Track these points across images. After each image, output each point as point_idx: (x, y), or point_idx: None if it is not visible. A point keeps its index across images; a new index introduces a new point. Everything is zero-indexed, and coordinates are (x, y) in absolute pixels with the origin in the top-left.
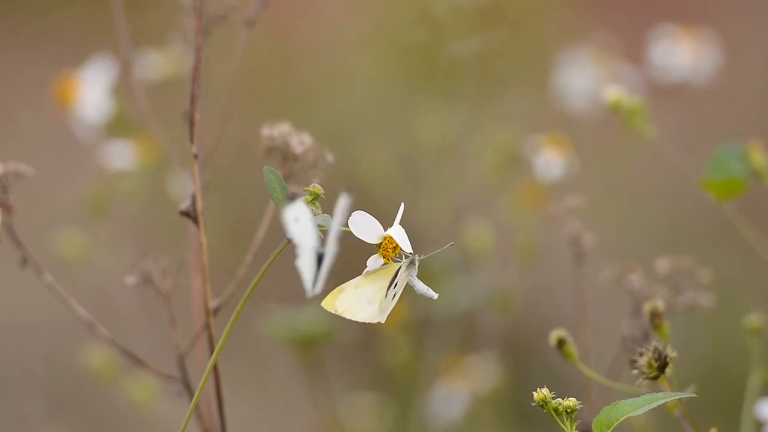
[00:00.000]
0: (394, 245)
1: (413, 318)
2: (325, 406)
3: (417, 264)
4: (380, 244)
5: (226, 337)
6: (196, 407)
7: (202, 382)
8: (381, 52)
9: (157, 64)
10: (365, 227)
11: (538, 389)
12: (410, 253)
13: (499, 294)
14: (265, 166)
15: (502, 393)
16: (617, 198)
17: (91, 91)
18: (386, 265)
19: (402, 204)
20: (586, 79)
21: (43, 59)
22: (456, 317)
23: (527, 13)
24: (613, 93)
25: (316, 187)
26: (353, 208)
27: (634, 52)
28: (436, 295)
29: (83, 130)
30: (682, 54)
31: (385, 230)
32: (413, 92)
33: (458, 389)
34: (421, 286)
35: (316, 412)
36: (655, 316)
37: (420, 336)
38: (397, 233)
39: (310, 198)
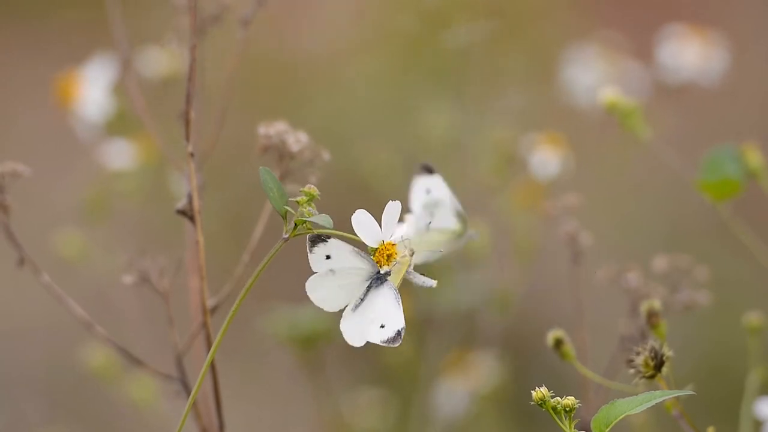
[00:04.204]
0: (390, 253)
1: (414, 316)
2: (326, 405)
3: (413, 259)
4: (376, 248)
5: (223, 334)
6: (195, 407)
7: (199, 379)
8: (381, 50)
9: (154, 63)
10: (367, 228)
11: (537, 388)
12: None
13: (499, 293)
14: (261, 166)
15: (503, 391)
16: (619, 197)
17: (92, 90)
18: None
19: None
20: (593, 76)
21: (43, 59)
22: (457, 316)
23: (530, 14)
24: (609, 94)
25: (311, 187)
26: (355, 205)
27: (638, 52)
28: (434, 283)
29: (84, 128)
30: (689, 54)
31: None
32: (414, 91)
33: (459, 387)
34: (419, 279)
35: (316, 411)
36: (651, 315)
37: (421, 334)
38: (398, 241)
39: (305, 199)
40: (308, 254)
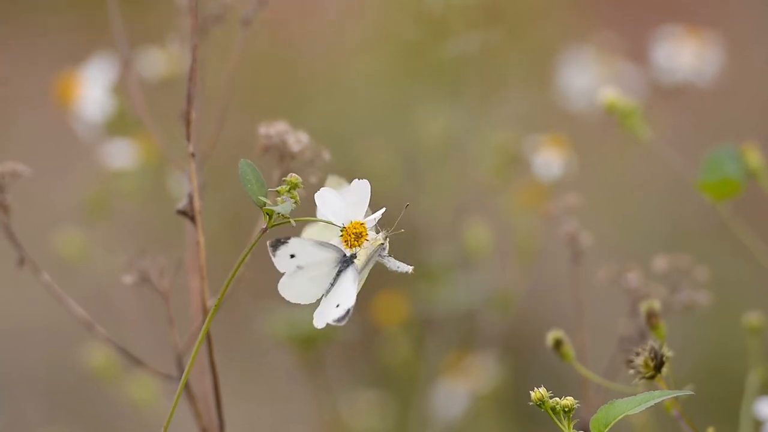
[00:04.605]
0: (359, 232)
1: (414, 317)
2: (325, 405)
3: (387, 242)
4: (343, 228)
5: (212, 317)
6: (195, 406)
7: (192, 358)
8: (381, 52)
9: (155, 63)
10: (331, 205)
11: (536, 388)
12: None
13: (499, 293)
14: (241, 159)
15: (503, 391)
16: (619, 197)
17: (92, 89)
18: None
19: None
20: (589, 78)
21: (43, 59)
22: (456, 316)
23: (529, 14)
24: (608, 94)
25: (293, 176)
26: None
27: (635, 52)
28: (410, 269)
29: (84, 128)
30: (685, 55)
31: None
32: (414, 92)
33: (459, 388)
34: (393, 263)
35: (316, 411)
36: (651, 316)
37: (421, 335)
38: (369, 220)
39: (287, 188)
40: (273, 259)
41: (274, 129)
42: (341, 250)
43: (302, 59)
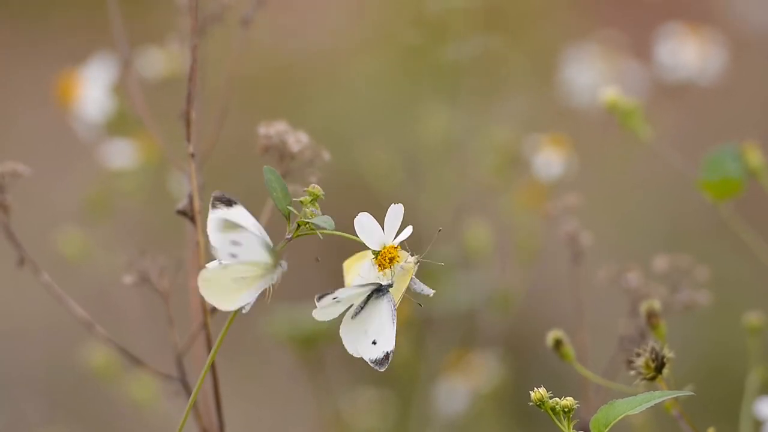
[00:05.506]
0: (392, 256)
1: (415, 316)
2: (326, 405)
3: (416, 267)
4: (378, 251)
5: (223, 336)
6: (195, 407)
7: (199, 381)
8: (381, 52)
9: (155, 63)
10: (369, 230)
11: (535, 389)
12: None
13: (499, 293)
14: (265, 166)
15: (503, 391)
16: (619, 196)
17: (93, 89)
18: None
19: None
20: (592, 75)
21: (43, 59)
22: (457, 315)
23: (529, 15)
24: (609, 93)
25: (315, 187)
26: (355, 205)
27: (638, 52)
28: (432, 292)
29: (84, 127)
30: (687, 53)
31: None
32: (415, 92)
33: (459, 387)
34: (418, 286)
35: (317, 410)
36: (651, 315)
37: (421, 335)
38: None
39: (309, 199)
40: (317, 305)
41: (274, 129)
42: (378, 284)
43: (302, 59)
